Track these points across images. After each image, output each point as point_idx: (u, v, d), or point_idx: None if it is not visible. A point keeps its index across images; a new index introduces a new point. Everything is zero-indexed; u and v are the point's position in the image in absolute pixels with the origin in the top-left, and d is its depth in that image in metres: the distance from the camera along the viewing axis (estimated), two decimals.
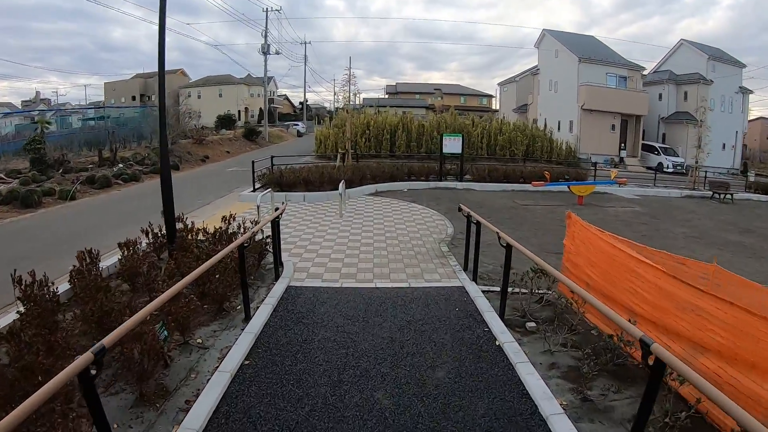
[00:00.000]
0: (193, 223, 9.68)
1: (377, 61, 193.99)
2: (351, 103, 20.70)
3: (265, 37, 48.42)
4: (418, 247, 10.44)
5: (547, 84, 46.63)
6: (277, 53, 51.66)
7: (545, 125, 36.02)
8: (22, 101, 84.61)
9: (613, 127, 41.04)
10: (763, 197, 24.81)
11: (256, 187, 17.07)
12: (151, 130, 35.69)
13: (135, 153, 31.52)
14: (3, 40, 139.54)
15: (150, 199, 16.38)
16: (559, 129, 40.48)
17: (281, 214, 8.57)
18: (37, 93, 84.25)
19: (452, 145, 20.50)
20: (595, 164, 25.47)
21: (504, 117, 43.55)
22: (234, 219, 9.83)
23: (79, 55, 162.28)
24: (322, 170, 17.43)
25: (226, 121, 55.99)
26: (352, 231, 11.70)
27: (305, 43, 66.80)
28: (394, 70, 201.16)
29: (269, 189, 15.43)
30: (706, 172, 27.16)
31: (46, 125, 27.86)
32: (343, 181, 14.27)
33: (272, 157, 19.52)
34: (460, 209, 8.75)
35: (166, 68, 9.11)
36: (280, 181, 16.94)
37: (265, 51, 48.86)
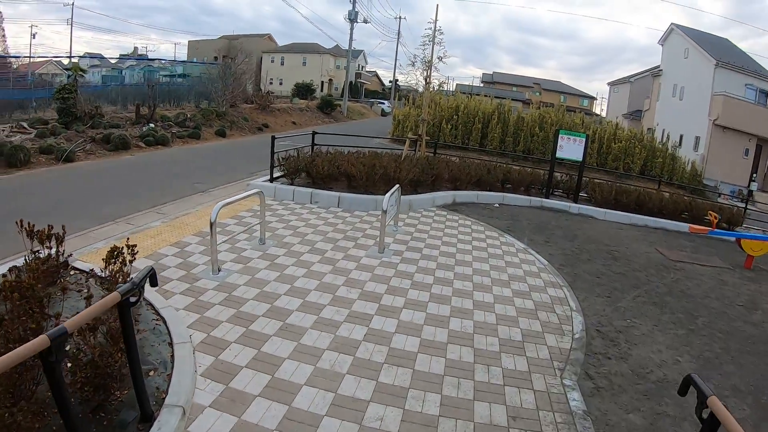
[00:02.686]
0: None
1: (474, 50, 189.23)
2: (433, 69, 14.51)
3: (353, 2, 43.25)
4: (517, 382, 4.45)
5: (670, 88, 38.73)
6: (366, 22, 46.97)
7: (665, 138, 28.76)
8: (120, 54, 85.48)
9: (747, 151, 32.89)
10: None
11: (275, 175, 11.56)
12: (212, 89, 31.21)
13: (179, 112, 26.93)
14: None
15: (157, 171, 14.45)
16: (680, 144, 32.40)
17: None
18: (135, 48, 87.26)
19: (570, 148, 14.12)
20: (746, 198, 18.11)
21: (619, 122, 36.04)
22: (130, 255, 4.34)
23: (180, 16, 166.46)
24: (375, 161, 11.60)
25: (303, 90, 52.05)
26: (385, 303, 5.79)
27: (399, 17, 61.71)
28: (490, 61, 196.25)
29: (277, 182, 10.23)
30: None
31: (81, 74, 23.63)
32: (398, 186, 8.51)
33: (314, 132, 13.93)
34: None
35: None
36: (311, 169, 11.31)
37: (352, 18, 43.83)
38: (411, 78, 15.04)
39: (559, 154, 13.94)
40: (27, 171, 13.96)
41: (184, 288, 5.79)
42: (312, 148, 13.34)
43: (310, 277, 6.32)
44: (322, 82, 65.48)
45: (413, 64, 14.49)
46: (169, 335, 4.62)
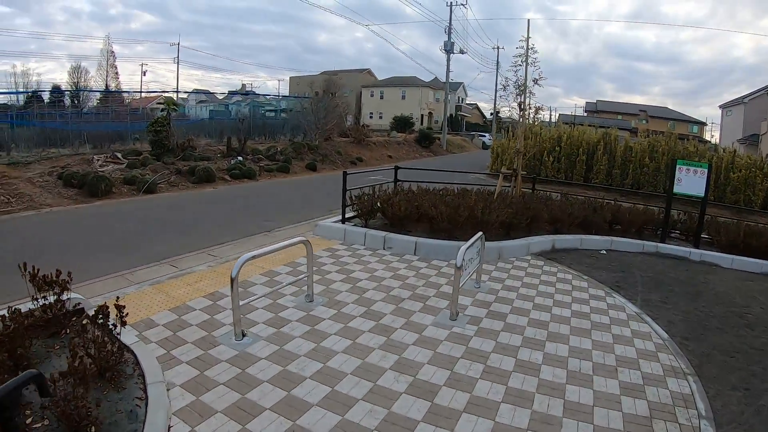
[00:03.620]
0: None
1: (576, 79, 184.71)
2: (528, 93, 12.73)
3: (449, 33, 42.88)
4: None
5: None
6: (462, 53, 46.38)
7: None
8: (229, 90, 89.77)
9: None
10: None
11: (347, 215, 10.39)
12: (305, 122, 31.13)
13: (271, 146, 26.79)
14: (217, 37, 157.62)
15: (231, 206, 14.17)
16: None
17: None
18: (243, 85, 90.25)
19: (690, 181, 11.93)
20: None
21: (736, 149, 31.92)
22: None
23: (285, 55, 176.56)
24: (460, 201, 10.17)
25: (401, 123, 51.72)
26: (441, 402, 4.17)
27: (497, 47, 60.40)
28: (593, 90, 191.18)
29: (353, 223, 9.14)
30: None
31: (174, 108, 23.99)
32: (481, 234, 6.99)
33: (396, 167, 12.71)
34: None
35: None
36: (385, 209, 10.02)
37: (448, 49, 43.22)
38: (503, 104, 13.25)
39: (677, 188, 11.80)
40: (106, 201, 14.35)
41: (195, 356, 4.70)
42: (395, 185, 12.11)
43: (352, 353, 4.92)
44: (422, 116, 64.98)
45: (504, 89, 12.84)
46: (144, 425, 3.51)
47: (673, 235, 12.49)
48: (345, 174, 10.46)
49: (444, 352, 5.10)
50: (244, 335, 5.13)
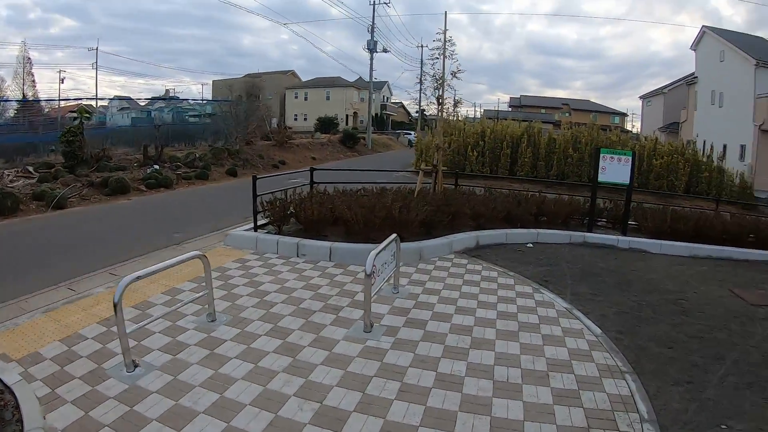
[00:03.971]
0: None
1: (500, 76, 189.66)
2: (446, 85, 12.42)
3: (372, 32, 42.42)
4: None
5: (707, 96, 35.91)
6: (385, 51, 46.34)
7: (708, 149, 26.09)
8: (152, 96, 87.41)
9: None
10: None
11: (259, 222, 9.78)
12: (224, 126, 30.13)
13: (189, 152, 25.68)
14: (139, 41, 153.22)
15: (142, 218, 13.39)
16: (724, 155, 28.86)
17: None
18: (167, 91, 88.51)
19: (615, 169, 11.84)
20: None
21: (657, 137, 32.91)
22: None
23: (209, 59, 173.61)
24: (375, 201, 9.66)
25: (326, 124, 51.28)
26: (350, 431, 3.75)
27: (421, 46, 60.66)
28: (517, 86, 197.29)
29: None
30: None
31: (87, 116, 22.58)
32: (395, 236, 6.50)
33: (312, 169, 12.19)
34: None
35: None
36: (298, 214, 9.45)
37: (371, 48, 42.99)
38: (423, 100, 12.86)
39: (601, 177, 11.70)
40: (11, 220, 13.10)
41: (81, 393, 4.08)
42: (311, 187, 11.56)
43: (253, 379, 4.34)
44: (347, 116, 64.56)
45: (421, 83, 12.50)
46: None
47: (600, 223, 12.42)
48: (254, 178, 9.82)
49: (356, 370, 4.58)
50: (135, 366, 4.49)
